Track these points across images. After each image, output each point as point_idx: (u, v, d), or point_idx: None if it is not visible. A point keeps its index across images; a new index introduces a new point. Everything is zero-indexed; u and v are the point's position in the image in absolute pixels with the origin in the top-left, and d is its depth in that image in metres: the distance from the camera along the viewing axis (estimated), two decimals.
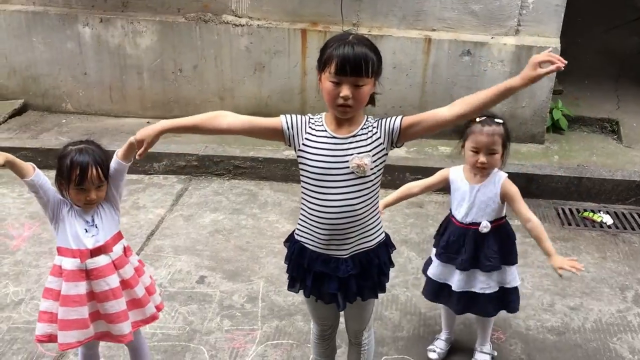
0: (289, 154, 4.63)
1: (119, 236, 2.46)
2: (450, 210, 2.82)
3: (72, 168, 2.27)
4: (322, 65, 2.03)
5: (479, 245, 2.70)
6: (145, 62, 5.42)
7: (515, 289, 2.79)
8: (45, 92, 5.69)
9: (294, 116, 2.16)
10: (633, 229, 4.22)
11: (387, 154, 2.15)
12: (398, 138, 2.11)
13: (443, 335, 3.03)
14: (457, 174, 2.78)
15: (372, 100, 2.14)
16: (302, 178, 2.18)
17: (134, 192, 4.59)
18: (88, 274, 2.36)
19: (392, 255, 2.33)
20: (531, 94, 5.04)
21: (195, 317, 3.23)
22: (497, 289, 2.74)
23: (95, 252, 2.36)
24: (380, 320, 3.20)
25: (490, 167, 2.65)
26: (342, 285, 2.20)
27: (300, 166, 2.16)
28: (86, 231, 2.36)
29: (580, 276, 3.62)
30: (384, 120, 2.13)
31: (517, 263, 2.78)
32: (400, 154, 5.01)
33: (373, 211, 2.19)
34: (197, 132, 2.23)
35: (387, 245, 2.30)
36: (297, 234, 2.27)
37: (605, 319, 3.27)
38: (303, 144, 2.13)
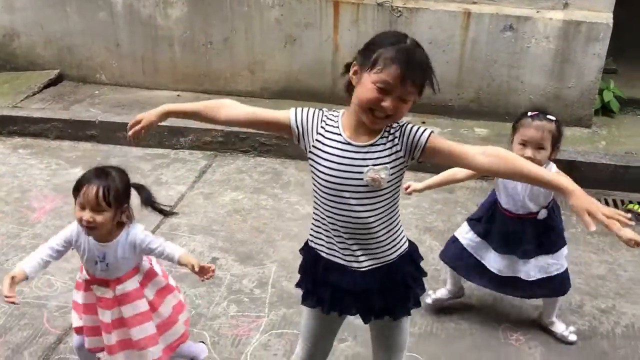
0: None
1: (133, 273, 2.33)
2: (498, 201, 2.77)
3: (80, 183, 2.19)
4: (370, 63, 1.74)
5: (540, 231, 2.73)
6: (176, 34, 5.33)
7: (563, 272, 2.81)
8: (79, 62, 5.70)
9: (305, 111, 1.90)
10: None
11: (406, 166, 1.87)
12: (420, 155, 1.84)
13: (448, 285, 3.03)
14: None
15: None
16: (312, 181, 1.94)
17: (158, 167, 4.55)
18: (95, 295, 2.35)
19: (419, 258, 2.09)
20: (579, 73, 4.69)
21: (202, 300, 3.15)
22: (566, 264, 2.79)
23: (102, 283, 2.31)
24: None
25: (537, 164, 2.51)
26: (362, 300, 1.98)
27: (310, 168, 1.92)
28: (96, 263, 2.29)
29: (615, 275, 3.36)
30: (408, 128, 1.84)
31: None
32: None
33: (391, 224, 1.94)
34: (198, 119, 2.07)
35: (411, 256, 2.04)
36: (311, 241, 2.04)
37: (639, 325, 3.00)
38: (313, 146, 1.87)
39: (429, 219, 3.89)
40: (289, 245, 3.56)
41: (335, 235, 1.93)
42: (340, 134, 1.85)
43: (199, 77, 5.45)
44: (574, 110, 4.82)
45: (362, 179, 1.82)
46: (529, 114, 2.60)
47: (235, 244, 3.62)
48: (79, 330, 2.44)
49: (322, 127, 1.88)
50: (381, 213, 1.89)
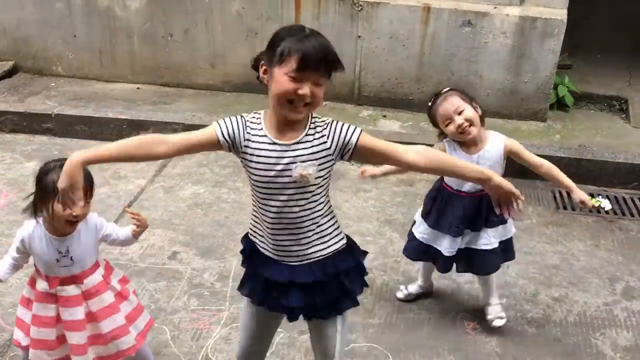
0: None
1: (95, 266, 2.31)
2: (449, 185, 2.76)
3: (53, 178, 2.10)
4: (277, 58, 1.76)
5: (489, 206, 2.64)
6: (135, 25, 5.25)
7: (511, 237, 2.88)
8: (35, 54, 5.57)
9: (228, 122, 1.88)
10: (632, 215, 4.02)
11: (334, 163, 1.91)
12: (351, 155, 1.88)
13: (419, 281, 3.09)
14: (453, 145, 2.71)
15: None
16: (248, 179, 1.94)
17: None
18: (57, 299, 2.28)
19: (360, 243, 2.10)
20: (534, 68, 4.80)
21: (162, 294, 3.13)
22: (497, 244, 2.79)
23: (66, 280, 2.26)
24: None
25: (473, 122, 2.60)
26: (290, 297, 1.98)
27: (245, 169, 1.93)
28: (57, 261, 2.24)
29: (569, 265, 3.47)
30: (336, 127, 1.87)
31: None
32: (392, 128, 4.84)
33: (322, 218, 1.95)
34: (125, 160, 1.95)
35: (349, 253, 2.04)
36: (251, 234, 2.06)
37: (590, 312, 3.10)
38: (243, 152, 1.88)
39: (389, 212, 3.94)
40: None
41: (269, 230, 1.94)
42: (266, 136, 1.86)
43: (159, 69, 5.38)
44: (530, 104, 4.94)
45: (290, 176, 1.85)
46: (429, 104, 2.70)
47: (196, 238, 3.60)
48: (18, 344, 2.39)
49: (247, 132, 1.88)
50: (311, 208, 1.91)
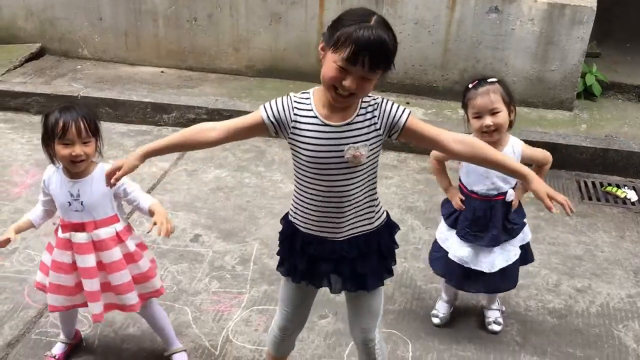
0: None
1: (111, 220, 2.35)
2: (463, 184, 2.67)
3: (56, 122, 2.22)
4: (332, 42, 1.72)
5: (505, 214, 2.64)
6: (160, 9, 5.27)
7: (528, 242, 2.78)
8: (61, 36, 5.62)
9: (274, 104, 1.88)
10: None
11: (383, 141, 1.91)
12: (398, 135, 1.88)
13: (444, 297, 2.93)
14: None
15: None
16: (293, 161, 1.96)
17: (142, 143, 4.50)
18: (72, 245, 2.35)
19: (394, 229, 2.13)
20: (562, 56, 4.72)
21: (184, 276, 3.16)
22: (519, 251, 2.69)
23: (77, 227, 2.32)
24: None
25: (498, 129, 2.49)
26: (338, 268, 2.02)
27: (292, 151, 1.94)
28: (69, 204, 2.30)
29: (592, 256, 3.43)
30: (386, 107, 1.87)
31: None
32: (416, 116, 4.78)
33: (370, 195, 1.98)
34: (181, 150, 2.09)
35: (389, 226, 2.09)
36: (291, 215, 2.07)
37: (613, 304, 3.07)
38: (292, 133, 1.87)
39: (411, 199, 3.93)
40: (272, 223, 3.58)
41: (315, 209, 1.96)
42: (316, 117, 1.86)
43: (183, 53, 5.40)
44: (557, 93, 4.86)
45: (342, 157, 1.85)
46: (470, 85, 2.53)
47: (218, 221, 3.63)
48: (41, 287, 2.48)
49: (295, 113, 1.87)
50: (362, 185, 1.93)
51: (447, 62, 4.90)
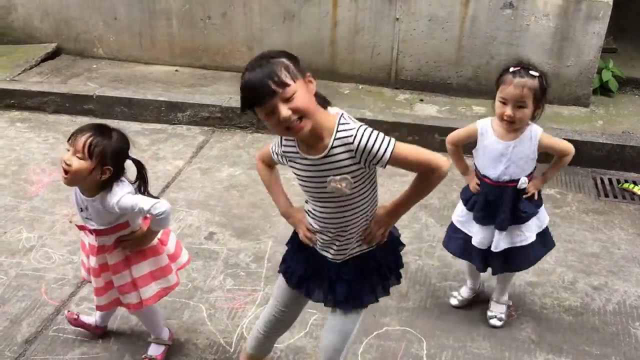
0: None
1: (116, 229, 2.35)
2: (478, 168, 2.68)
3: (80, 128, 2.26)
4: (247, 105, 1.79)
5: (515, 201, 2.63)
6: (174, 8, 5.29)
7: (547, 226, 2.76)
8: (77, 36, 5.67)
9: (274, 143, 2.00)
10: None
11: (371, 171, 1.88)
12: (384, 166, 1.83)
13: (468, 283, 2.97)
14: (486, 128, 2.61)
15: (324, 101, 1.86)
16: None
17: (156, 142, 4.55)
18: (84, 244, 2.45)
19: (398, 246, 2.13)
20: (578, 52, 4.67)
21: (198, 274, 3.18)
22: (534, 237, 2.69)
23: (87, 230, 2.39)
24: None
25: (518, 123, 2.47)
26: (332, 286, 2.04)
27: None
28: (81, 210, 2.36)
29: (609, 253, 3.39)
30: (366, 141, 1.75)
31: (542, 203, 2.74)
32: (430, 113, 4.78)
33: (367, 219, 1.97)
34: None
35: (391, 244, 2.08)
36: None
37: (630, 302, 3.04)
38: (289, 163, 1.96)
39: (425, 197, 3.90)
40: (285, 221, 3.57)
41: (316, 226, 2.00)
42: (297, 152, 1.88)
43: (197, 52, 5.43)
44: (572, 89, 4.82)
45: (326, 188, 1.86)
46: (511, 69, 2.45)
47: (232, 219, 3.64)
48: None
49: (283, 149, 1.94)
50: (355, 213, 1.93)
51: (461, 58, 4.87)
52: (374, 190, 1.94)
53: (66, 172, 2.21)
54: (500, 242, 2.67)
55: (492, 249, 2.69)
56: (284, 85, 1.68)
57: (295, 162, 1.91)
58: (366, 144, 1.76)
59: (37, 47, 5.72)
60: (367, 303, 2.08)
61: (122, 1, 5.37)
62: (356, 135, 1.77)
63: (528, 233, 2.68)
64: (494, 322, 2.85)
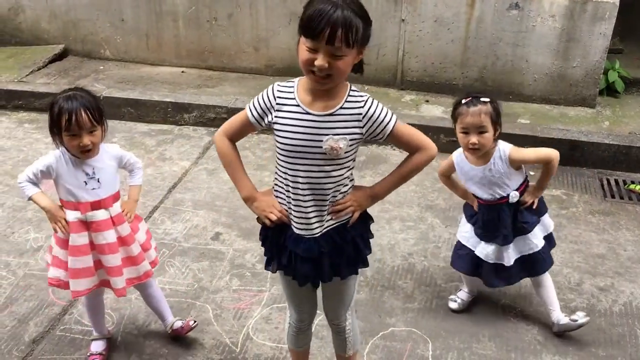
0: None
1: (118, 195, 2.48)
2: (470, 191, 2.80)
3: (61, 114, 2.25)
4: (299, 26, 1.75)
5: (515, 214, 2.72)
6: (180, 10, 5.31)
7: (551, 232, 2.84)
8: (84, 37, 5.70)
9: (256, 103, 1.93)
10: None
11: (363, 141, 1.93)
12: (381, 142, 1.92)
13: (466, 288, 3.00)
14: (461, 157, 2.74)
15: (359, 68, 1.88)
16: (275, 147, 1.97)
17: (163, 142, 4.57)
18: (88, 226, 2.40)
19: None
20: (584, 53, 4.66)
21: (205, 274, 3.19)
22: (542, 242, 2.75)
23: (95, 205, 2.39)
24: (392, 289, 3.08)
25: (482, 147, 2.58)
26: (316, 265, 2.03)
27: (274, 136, 1.95)
28: (86, 183, 2.36)
29: (615, 254, 3.38)
30: (374, 111, 1.87)
31: (547, 209, 2.83)
32: (435, 114, 4.78)
33: (345, 186, 1.99)
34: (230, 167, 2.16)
35: (364, 217, 2.09)
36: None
37: (637, 303, 3.03)
38: (275, 122, 1.90)
39: (431, 197, 3.91)
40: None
41: (293, 199, 1.95)
42: (297, 104, 1.87)
43: (203, 53, 5.45)
44: (579, 90, 4.81)
45: (321, 147, 1.85)
46: (463, 101, 2.57)
47: (238, 220, 3.65)
48: (55, 283, 2.49)
49: (277, 103, 1.89)
50: (337, 179, 1.94)
51: (467, 59, 4.87)
52: (353, 166, 1.99)
53: (90, 150, 2.31)
54: (510, 255, 2.74)
55: (505, 264, 2.75)
56: (347, 44, 1.72)
57: (288, 118, 1.87)
58: (374, 111, 1.88)
59: (45, 48, 5.76)
60: (349, 274, 2.10)
61: (129, 3, 5.40)
62: (367, 101, 1.88)
63: (535, 240, 2.74)
64: (575, 317, 2.75)
